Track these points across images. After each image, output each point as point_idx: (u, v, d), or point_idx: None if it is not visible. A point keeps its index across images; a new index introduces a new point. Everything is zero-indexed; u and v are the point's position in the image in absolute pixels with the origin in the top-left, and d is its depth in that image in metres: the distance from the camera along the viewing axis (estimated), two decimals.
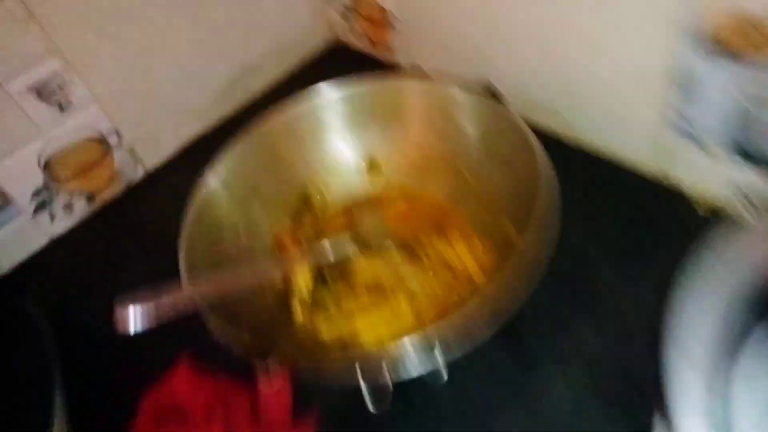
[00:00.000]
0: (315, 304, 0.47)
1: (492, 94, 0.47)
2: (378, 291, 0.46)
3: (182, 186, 0.47)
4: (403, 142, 0.54)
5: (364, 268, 0.48)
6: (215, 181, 0.48)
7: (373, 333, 0.44)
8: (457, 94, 0.49)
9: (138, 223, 0.60)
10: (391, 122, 0.54)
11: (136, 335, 0.35)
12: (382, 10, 0.65)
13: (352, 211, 0.53)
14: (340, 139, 0.54)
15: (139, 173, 0.65)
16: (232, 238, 0.48)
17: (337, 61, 0.73)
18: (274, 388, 0.35)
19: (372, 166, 0.55)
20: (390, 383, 0.34)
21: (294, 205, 0.53)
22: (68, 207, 0.60)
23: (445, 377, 0.36)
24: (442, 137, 0.51)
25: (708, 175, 0.47)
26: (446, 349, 0.35)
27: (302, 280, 0.47)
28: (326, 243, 0.48)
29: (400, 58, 0.69)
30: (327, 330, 0.45)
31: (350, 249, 0.48)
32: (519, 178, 0.43)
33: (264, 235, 0.50)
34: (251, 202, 0.50)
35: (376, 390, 0.34)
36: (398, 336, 0.34)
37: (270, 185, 0.52)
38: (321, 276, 0.48)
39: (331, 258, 0.47)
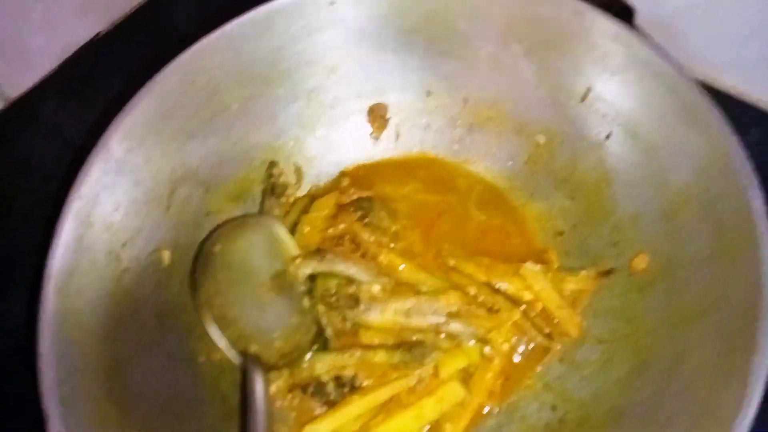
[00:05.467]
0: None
1: (621, 12, 0.38)
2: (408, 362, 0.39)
3: (62, 123, 0.44)
4: (447, 81, 0.45)
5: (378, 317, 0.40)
6: (119, 152, 0.37)
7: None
8: (565, 6, 0.38)
9: None
10: (435, 45, 0.44)
11: None
12: None
13: (349, 199, 0.45)
14: (339, 71, 0.45)
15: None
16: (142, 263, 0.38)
17: None
18: None
19: (377, 116, 0.45)
20: None
21: (246, 187, 0.45)
22: None
23: None
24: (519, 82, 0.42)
25: None
26: None
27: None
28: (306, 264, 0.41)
29: None
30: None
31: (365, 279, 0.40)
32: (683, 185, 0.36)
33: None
34: (177, 188, 0.41)
35: None
36: None
37: (211, 154, 0.42)
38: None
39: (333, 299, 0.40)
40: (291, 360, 0.40)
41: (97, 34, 0.59)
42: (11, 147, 0.54)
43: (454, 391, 0.39)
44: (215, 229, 0.44)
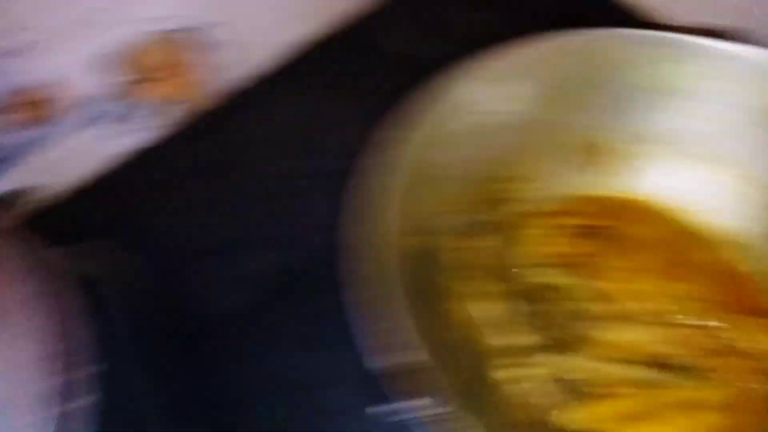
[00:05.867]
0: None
1: None
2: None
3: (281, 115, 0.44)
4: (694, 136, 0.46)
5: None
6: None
7: None
8: None
9: (242, 147, 0.47)
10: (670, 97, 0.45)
11: None
12: None
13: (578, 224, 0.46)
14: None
15: (243, 78, 0.49)
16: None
17: None
18: None
19: (593, 153, 0.47)
20: None
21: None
22: (140, 121, 0.46)
23: None
24: None
25: None
26: None
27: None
28: None
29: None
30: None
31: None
32: None
33: None
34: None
35: None
36: None
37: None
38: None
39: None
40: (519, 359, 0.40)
41: (316, 39, 0.62)
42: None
43: (707, 420, 0.37)
44: None
